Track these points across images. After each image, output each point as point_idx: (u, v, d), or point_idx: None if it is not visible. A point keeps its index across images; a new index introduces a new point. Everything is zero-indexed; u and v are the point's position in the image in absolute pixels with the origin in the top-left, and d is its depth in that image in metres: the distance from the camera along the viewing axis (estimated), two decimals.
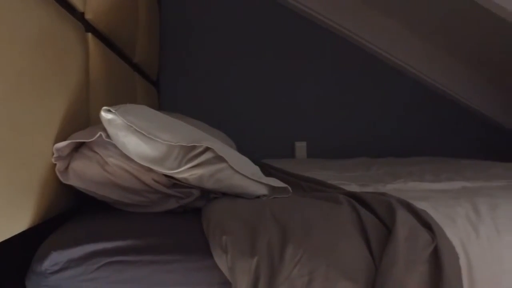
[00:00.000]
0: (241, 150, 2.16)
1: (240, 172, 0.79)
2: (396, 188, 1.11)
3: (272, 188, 0.85)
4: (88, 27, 0.97)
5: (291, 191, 0.86)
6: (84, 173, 0.76)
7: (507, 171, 1.47)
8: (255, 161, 1.79)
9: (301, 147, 2.44)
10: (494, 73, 2.55)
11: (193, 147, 0.79)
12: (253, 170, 0.85)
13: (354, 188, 1.10)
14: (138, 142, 0.75)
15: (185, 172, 0.77)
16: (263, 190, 0.84)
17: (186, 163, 0.78)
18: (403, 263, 0.63)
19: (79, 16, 0.93)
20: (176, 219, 0.81)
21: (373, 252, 0.66)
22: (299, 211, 0.72)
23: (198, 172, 0.77)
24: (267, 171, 1.49)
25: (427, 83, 2.62)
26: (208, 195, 0.85)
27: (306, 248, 0.62)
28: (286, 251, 0.62)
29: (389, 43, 2.45)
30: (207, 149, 0.79)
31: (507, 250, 0.72)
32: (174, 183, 0.83)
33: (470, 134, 2.74)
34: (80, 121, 0.88)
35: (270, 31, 2.42)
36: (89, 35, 0.95)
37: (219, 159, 0.78)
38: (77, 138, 0.76)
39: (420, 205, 0.80)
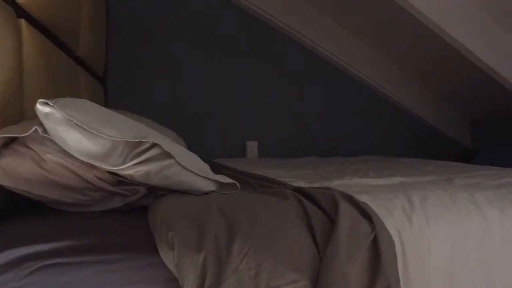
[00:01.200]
0: (192, 149, 2.15)
1: (187, 168, 0.79)
2: (341, 184, 1.16)
3: (220, 184, 0.85)
4: (21, 12, 0.90)
5: (239, 187, 0.87)
6: (15, 171, 0.71)
7: (438, 167, 1.60)
8: (206, 161, 1.78)
9: (252, 146, 2.46)
10: (430, 81, 2.78)
11: (139, 143, 0.76)
12: (201, 166, 0.84)
13: (302, 184, 1.13)
14: (79, 137, 0.71)
15: (131, 169, 0.75)
16: (211, 186, 0.83)
17: (132, 159, 0.75)
18: (345, 253, 0.67)
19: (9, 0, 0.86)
20: (120, 217, 0.78)
21: (318, 243, 0.68)
22: (246, 206, 0.73)
23: (145, 168, 0.75)
24: (217, 169, 1.49)
25: (372, 86, 2.78)
26: (155, 192, 0.83)
27: (253, 242, 0.63)
28: (233, 245, 0.62)
29: (338, 47, 2.56)
30: (154, 145, 0.77)
31: (434, 235, 0.79)
32: (119, 180, 0.80)
33: (409, 135, 2.96)
34: (11, 114, 0.82)
35: (223, 30, 2.42)
36: (22, 21, 0.88)
37: (166, 155, 0.77)
38: (8, 132, 0.71)
39: (362, 198, 0.85)
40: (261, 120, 2.52)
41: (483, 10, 1.82)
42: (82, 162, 0.74)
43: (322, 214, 0.73)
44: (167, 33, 2.33)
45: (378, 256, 0.70)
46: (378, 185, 1.14)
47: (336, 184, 1.16)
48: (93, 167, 0.75)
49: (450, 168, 1.57)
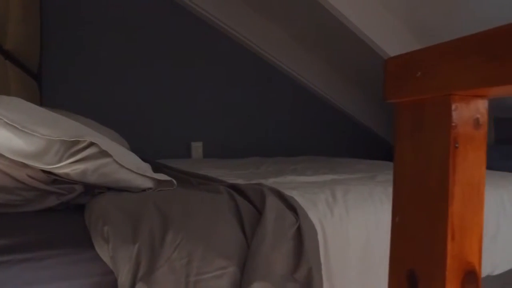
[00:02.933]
0: (136, 150, 2.13)
1: (125, 167, 0.81)
2: (276, 181, 1.25)
3: (158, 182, 0.89)
4: None
5: (175, 184, 0.91)
6: None
7: (369, 166, 1.76)
8: (149, 161, 1.78)
9: (197, 147, 2.49)
10: (366, 85, 3.00)
11: (76, 142, 0.78)
12: (139, 165, 0.87)
13: (240, 182, 1.20)
14: (9, 136, 0.71)
15: (67, 167, 0.76)
16: (148, 184, 0.87)
17: (68, 158, 0.77)
18: (271, 241, 0.74)
19: None
20: (55, 216, 0.79)
21: (246, 233, 0.75)
22: (180, 201, 0.78)
23: (81, 167, 0.76)
24: (160, 169, 1.51)
25: (312, 90, 2.94)
26: (93, 190, 0.85)
27: (186, 233, 0.68)
28: (166, 237, 0.67)
29: (278, 51, 2.68)
30: (91, 144, 0.79)
31: (352, 224, 0.90)
32: (54, 179, 0.80)
33: (346, 136, 3.17)
34: None
35: (167, 30, 2.42)
36: None
37: (104, 154, 0.79)
38: None
39: (291, 193, 0.93)
40: (205, 121, 2.56)
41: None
42: (13, 161, 0.74)
43: (251, 207, 0.80)
44: (109, 31, 2.29)
45: (301, 243, 0.79)
46: (310, 182, 1.24)
47: (271, 181, 1.24)
48: (25, 166, 0.75)
49: (379, 167, 1.73)
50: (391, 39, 1.98)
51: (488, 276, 1.16)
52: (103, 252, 0.65)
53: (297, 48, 2.71)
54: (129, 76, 2.34)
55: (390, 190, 1.03)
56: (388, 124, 3.35)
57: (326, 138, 3.09)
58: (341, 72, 2.87)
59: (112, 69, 2.30)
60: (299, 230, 0.80)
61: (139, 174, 0.84)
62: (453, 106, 0.35)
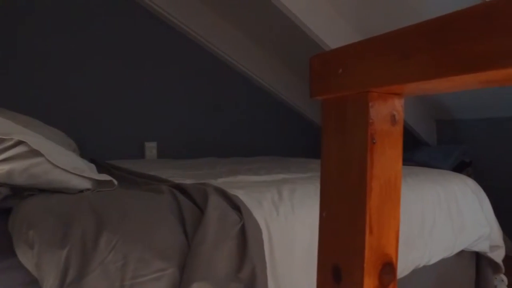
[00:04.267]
0: (87, 151, 2.04)
1: (59, 167, 0.76)
2: (226, 181, 1.24)
3: (97, 182, 0.84)
4: None
5: (116, 184, 0.87)
6: None
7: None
8: (98, 162, 1.70)
9: (151, 147, 2.42)
10: None
11: (1, 140, 0.72)
12: (76, 164, 0.83)
13: (189, 182, 1.17)
14: None
15: None
16: (86, 185, 0.82)
17: None
18: (213, 241, 0.73)
19: None
20: None
21: (188, 232, 0.73)
22: (119, 201, 0.74)
23: (6, 167, 0.71)
24: (108, 170, 1.45)
25: (270, 91, 2.97)
26: (22, 193, 0.79)
27: (122, 234, 0.65)
28: (100, 239, 0.63)
29: (234, 50, 2.68)
30: (19, 142, 0.73)
31: (298, 222, 0.91)
32: None
33: (304, 136, 3.23)
34: None
35: (118, 26, 2.33)
36: None
37: (34, 153, 0.74)
38: None
39: (237, 192, 0.92)
40: (160, 120, 2.49)
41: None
42: None
43: (193, 206, 0.79)
44: (56, 26, 2.15)
45: (245, 242, 0.79)
46: (260, 181, 1.24)
47: (221, 181, 1.23)
48: None
49: None
50: (338, 39, 2.05)
51: (425, 266, 1.23)
52: (27, 259, 0.61)
53: (253, 48, 2.73)
54: (78, 74, 2.22)
55: None
56: None
57: (284, 138, 3.14)
58: (298, 74, 2.92)
59: (59, 66, 2.17)
60: (242, 229, 0.80)
61: (75, 174, 0.79)
62: (370, 103, 0.36)
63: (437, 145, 2.88)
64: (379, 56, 0.34)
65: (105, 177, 0.86)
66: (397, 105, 0.37)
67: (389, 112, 0.37)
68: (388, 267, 0.38)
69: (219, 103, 2.80)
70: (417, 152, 2.69)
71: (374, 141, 0.36)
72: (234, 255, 0.77)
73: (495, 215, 2.29)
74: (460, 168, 2.50)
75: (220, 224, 0.76)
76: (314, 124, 3.26)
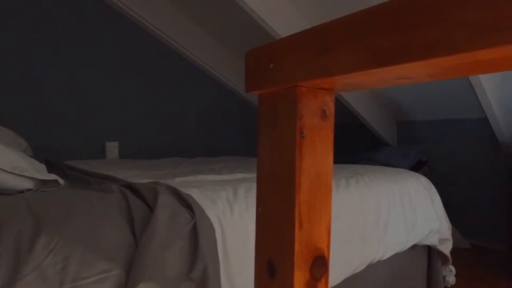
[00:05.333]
0: (44, 151, 1.94)
1: None
2: (184, 180, 1.22)
3: (41, 182, 0.80)
4: None
5: (62, 183, 0.83)
6: None
7: None
8: (52, 162, 1.63)
9: (112, 147, 2.35)
10: None
11: None
12: (18, 164, 0.78)
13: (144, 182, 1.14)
14: None
15: None
16: (27, 185, 0.78)
17: None
18: (162, 239, 0.71)
19: None
20: None
21: (136, 233, 0.71)
22: (63, 202, 0.71)
23: None
24: (62, 170, 1.39)
25: (236, 91, 2.96)
26: None
27: (63, 236, 0.62)
28: (38, 241, 0.60)
29: (200, 49, 2.65)
30: None
31: (252, 220, 0.91)
32: None
33: None
34: None
35: (79, 23, 2.24)
36: None
37: None
38: None
39: (191, 191, 0.91)
40: (122, 120, 2.42)
41: None
42: None
43: (144, 206, 0.77)
44: (14, 21, 2.04)
45: (197, 241, 0.77)
46: (218, 181, 1.23)
47: (179, 180, 1.21)
48: None
49: None
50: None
51: (379, 261, 1.27)
52: None
53: (218, 47, 2.71)
54: (36, 72, 2.11)
55: None
56: None
57: (252, 138, 3.14)
58: None
59: (17, 64, 2.05)
60: (194, 228, 0.79)
61: (13, 174, 0.75)
62: (299, 98, 0.36)
63: (397, 145, 2.99)
64: (304, 51, 0.34)
65: (50, 176, 0.82)
66: (328, 100, 0.38)
67: (319, 107, 0.37)
68: (319, 261, 0.39)
69: (184, 103, 2.76)
70: (378, 152, 2.78)
71: (304, 135, 0.36)
72: (185, 254, 0.76)
73: (448, 210, 2.41)
74: (417, 166, 2.61)
75: (170, 223, 0.75)
76: None
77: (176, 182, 1.17)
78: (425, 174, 2.59)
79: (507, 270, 1.96)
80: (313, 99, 0.37)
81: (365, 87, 0.36)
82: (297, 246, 0.37)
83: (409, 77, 0.31)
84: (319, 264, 0.38)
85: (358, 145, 3.16)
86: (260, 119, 0.41)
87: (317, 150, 0.37)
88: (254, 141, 3.14)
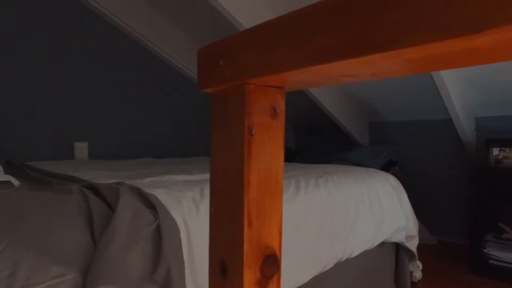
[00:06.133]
0: (9, 152, 1.85)
1: None
2: (153, 180, 1.20)
3: None
4: None
5: (16, 185, 0.80)
6: None
7: None
8: (12, 163, 1.56)
9: (81, 147, 2.28)
10: None
11: None
12: None
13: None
14: None
15: None
16: None
17: None
18: (123, 241, 0.69)
19: None
20: None
21: (96, 234, 0.69)
22: (15, 204, 0.68)
23: None
24: (24, 171, 1.33)
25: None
26: None
27: (11, 241, 0.59)
28: None
29: (172, 48, 2.61)
30: None
31: None
32: None
33: None
34: None
35: (45, 19, 2.16)
36: None
37: None
38: None
39: (156, 191, 0.89)
40: (91, 119, 2.35)
41: None
42: None
43: (104, 207, 0.74)
44: None
45: (160, 242, 0.76)
46: (187, 181, 1.21)
47: (148, 181, 1.18)
48: None
49: None
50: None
51: (347, 259, 1.29)
52: None
53: (190, 45, 2.68)
54: (1, 73, 2.02)
55: None
56: (286, 129, 3.53)
57: None
58: None
59: None
60: (158, 229, 0.77)
61: None
62: (248, 95, 0.36)
63: (369, 146, 3.05)
64: (252, 48, 0.34)
65: (3, 177, 0.78)
66: (278, 98, 0.38)
67: (269, 104, 0.37)
68: (270, 259, 0.38)
69: (158, 102, 2.71)
70: (351, 152, 2.83)
71: (252, 133, 0.36)
72: (148, 255, 0.74)
73: (418, 208, 2.49)
74: (388, 166, 2.68)
75: (132, 224, 0.73)
76: None
77: (144, 182, 1.15)
78: (395, 174, 2.66)
79: (469, 264, 2.04)
80: (263, 97, 0.37)
81: (314, 85, 0.36)
82: (246, 245, 0.36)
83: (354, 75, 0.32)
84: (270, 263, 0.38)
85: (332, 146, 3.21)
86: (213, 117, 0.41)
87: (266, 148, 0.37)
88: None
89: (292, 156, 3.33)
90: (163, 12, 2.45)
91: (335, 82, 0.35)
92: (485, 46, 0.21)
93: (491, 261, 1.94)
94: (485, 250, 1.96)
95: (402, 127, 2.89)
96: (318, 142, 3.47)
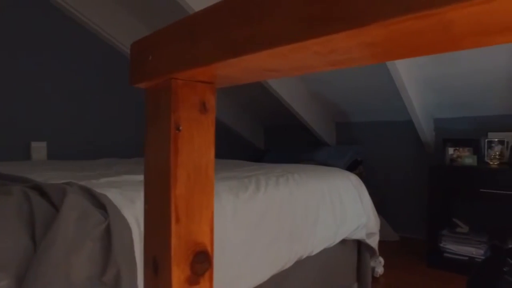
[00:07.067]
0: None
1: None
2: (108, 180, 1.16)
3: None
4: None
5: None
6: None
7: (223, 165, 1.80)
8: None
9: (39, 147, 2.18)
10: (233, 93, 3.10)
11: None
12: None
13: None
14: None
15: None
16: None
17: None
18: (68, 242, 0.67)
19: None
20: None
21: (37, 237, 0.66)
22: None
23: None
24: None
25: None
26: None
27: None
28: None
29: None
30: None
31: None
32: None
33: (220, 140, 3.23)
34: None
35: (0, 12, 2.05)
36: None
37: None
38: None
39: (109, 191, 0.87)
40: (51, 117, 2.26)
41: None
42: None
43: (49, 208, 0.71)
44: None
45: (110, 243, 0.74)
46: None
47: (103, 181, 1.15)
48: None
49: (231, 165, 1.78)
50: None
51: (308, 257, 1.31)
52: None
53: None
54: None
55: (219, 185, 1.06)
56: (250, 126, 3.55)
57: None
58: None
59: None
60: (108, 229, 0.75)
61: None
62: (175, 90, 0.35)
63: (336, 145, 3.12)
64: (177, 42, 0.33)
65: None
66: (208, 94, 0.38)
67: (198, 100, 0.37)
68: (201, 256, 0.38)
69: (122, 100, 2.64)
70: (318, 152, 2.88)
71: (180, 128, 0.36)
72: (96, 257, 0.72)
73: (382, 206, 2.56)
74: (353, 166, 2.75)
75: (78, 225, 0.70)
76: (228, 127, 3.28)
77: (100, 182, 1.12)
78: (360, 173, 2.73)
79: (426, 258, 2.13)
80: (191, 92, 0.37)
81: (242, 80, 0.37)
82: (174, 241, 0.36)
83: (275, 70, 0.32)
84: (201, 259, 0.38)
85: (300, 146, 3.25)
86: (146, 113, 0.40)
87: (195, 143, 0.37)
88: None
89: (261, 156, 3.35)
90: (125, 6, 2.39)
91: (261, 77, 0.35)
92: (373, 41, 0.21)
93: (446, 254, 2.03)
94: (441, 245, 2.05)
95: (368, 128, 2.97)
96: (287, 142, 3.50)
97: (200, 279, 0.38)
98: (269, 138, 3.68)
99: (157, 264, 0.39)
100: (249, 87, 2.86)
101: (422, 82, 2.23)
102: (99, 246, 0.73)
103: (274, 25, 0.25)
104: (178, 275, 0.37)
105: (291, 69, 0.32)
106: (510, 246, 1.66)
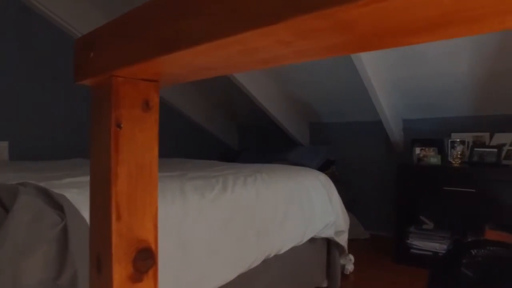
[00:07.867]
0: None
1: None
2: (71, 181, 1.14)
3: None
4: None
5: None
6: None
7: (195, 165, 1.79)
8: None
9: (1, 148, 2.10)
10: (208, 94, 3.09)
11: None
12: None
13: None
14: None
15: None
16: None
17: None
18: (18, 245, 0.65)
19: None
20: None
21: None
22: None
23: None
24: None
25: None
26: None
27: None
28: None
29: None
30: None
31: None
32: None
33: (189, 138, 3.21)
34: None
35: None
36: None
37: None
38: None
39: (69, 191, 0.85)
40: (12, 116, 2.17)
41: None
42: None
43: (1, 210, 0.69)
44: None
45: (67, 245, 0.72)
46: None
47: (67, 181, 1.13)
48: None
49: (202, 165, 1.77)
50: None
51: (277, 255, 1.32)
52: None
53: None
54: None
55: (186, 185, 1.06)
56: (224, 126, 3.55)
57: (169, 138, 3.06)
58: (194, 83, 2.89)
59: None
60: (64, 230, 0.73)
61: None
62: (115, 88, 0.35)
63: (309, 146, 3.16)
64: (116, 39, 0.34)
65: None
66: (151, 92, 0.38)
67: (141, 98, 0.37)
68: (144, 253, 0.38)
69: (82, 100, 2.58)
70: (291, 152, 2.91)
71: (121, 126, 0.36)
72: (51, 259, 0.71)
73: (353, 205, 2.62)
74: (326, 165, 2.79)
75: (31, 227, 0.69)
76: (202, 127, 3.27)
77: (62, 183, 1.09)
78: (333, 173, 2.78)
79: (394, 254, 2.19)
80: (133, 90, 0.37)
81: (187, 78, 0.37)
82: (115, 239, 0.36)
83: (210, 67, 0.33)
84: (145, 256, 0.38)
85: (274, 146, 3.28)
86: (91, 110, 0.40)
87: (138, 141, 0.37)
88: (169, 141, 3.07)
89: (235, 156, 3.35)
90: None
91: (202, 75, 0.36)
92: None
93: (412, 250, 2.10)
94: (408, 241, 2.11)
95: (340, 128, 3.03)
96: (261, 142, 3.52)
97: (144, 276, 0.39)
98: (244, 139, 3.68)
99: (100, 262, 0.39)
100: (222, 87, 2.86)
101: (390, 83, 2.30)
102: (55, 248, 0.72)
103: (197, 22, 0.25)
104: (120, 272, 0.36)
105: (225, 67, 0.32)
106: (469, 239, 1.74)
